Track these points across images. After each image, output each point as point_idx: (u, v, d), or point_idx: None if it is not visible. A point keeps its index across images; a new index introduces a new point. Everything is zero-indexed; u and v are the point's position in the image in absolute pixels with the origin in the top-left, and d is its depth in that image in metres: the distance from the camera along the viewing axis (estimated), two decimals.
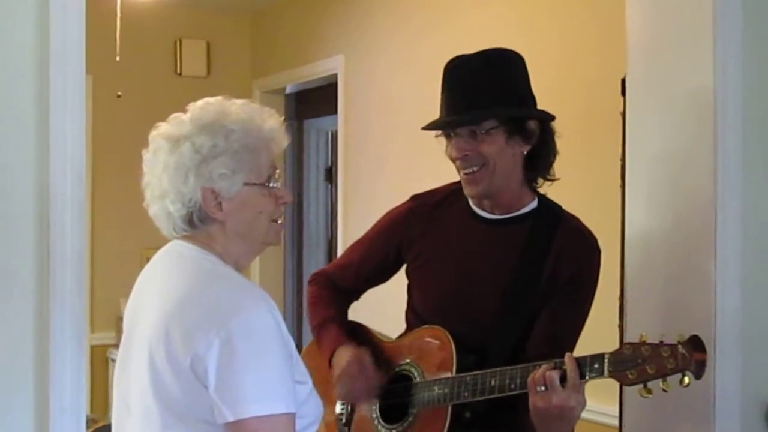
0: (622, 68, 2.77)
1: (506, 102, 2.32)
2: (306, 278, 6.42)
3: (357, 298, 2.65)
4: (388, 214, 2.59)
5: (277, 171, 1.90)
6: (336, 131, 5.82)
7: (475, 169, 2.31)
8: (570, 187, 2.48)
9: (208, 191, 1.82)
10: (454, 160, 2.35)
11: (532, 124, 2.34)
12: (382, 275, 2.60)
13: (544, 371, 2.10)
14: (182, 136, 1.83)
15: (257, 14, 6.64)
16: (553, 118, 2.37)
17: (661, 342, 2.04)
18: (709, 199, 2.46)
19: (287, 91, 6.62)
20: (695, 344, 2.02)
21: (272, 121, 1.90)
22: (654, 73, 2.64)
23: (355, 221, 5.18)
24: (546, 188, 2.46)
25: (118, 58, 5.01)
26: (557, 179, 2.41)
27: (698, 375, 2.02)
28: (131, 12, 5.31)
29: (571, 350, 2.26)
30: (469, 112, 2.29)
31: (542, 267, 2.33)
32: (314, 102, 6.45)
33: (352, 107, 5.53)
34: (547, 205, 2.42)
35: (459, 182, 2.43)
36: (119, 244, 5.98)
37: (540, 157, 2.36)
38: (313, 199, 6.68)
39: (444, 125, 2.34)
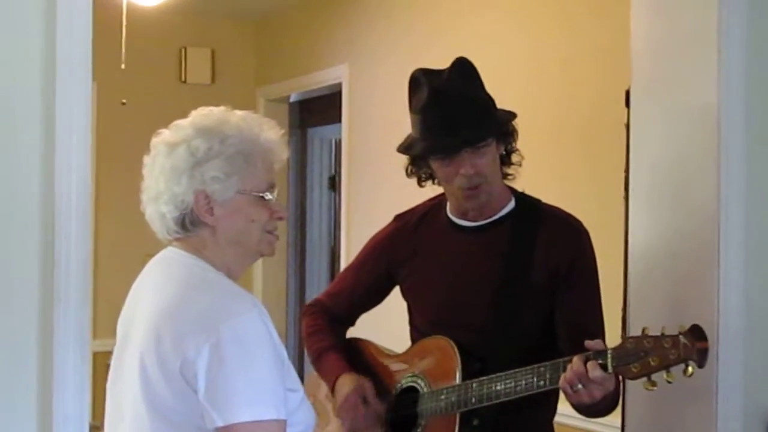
0: (627, 79, 2.77)
1: (491, 112, 2.36)
2: (308, 285, 6.52)
3: (353, 323, 2.67)
4: (373, 238, 2.63)
5: (276, 189, 1.90)
6: (340, 140, 5.82)
7: (478, 183, 2.33)
8: (574, 198, 2.49)
9: (201, 194, 1.83)
10: (452, 179, 2.34)
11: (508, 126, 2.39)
12: (376, 299, 2.63)
13: (573, 375, 2.07)
14: (180, 140, 1.85)
15: (262, 23, 6.65)
16: (515, 115, 2.40)
17: (663, 334, 2.04)
18: (712, 210, 2.47)
19: (291, 99, 6.63)
20: (696, 333, 2.02)
21: (271, 133, 1.90)
22: (658, 85, 2.65)
23: (359, 230, 5.18)
24: (551, 198, 2.47)
25: (123, 66, 5.01)
26: (521, 161, 2.44)
27: (701, 363, 2.02)
28: (136, 20, 5.31)
29: (601, 331, 2.33)
30: (469, 131, 2.29)
31: (531, 263, 2.35)
32: (318, 110, 6.46)
33: (356, 116, 5.53)
34: (525, 202, 2.44)
35: (437, 197, 2.49)
36: (123, 251, 5.95)
37: (508, 152, 2.42)
38: (316, 208, 6.68)
39: (457, 146, 2.29)
